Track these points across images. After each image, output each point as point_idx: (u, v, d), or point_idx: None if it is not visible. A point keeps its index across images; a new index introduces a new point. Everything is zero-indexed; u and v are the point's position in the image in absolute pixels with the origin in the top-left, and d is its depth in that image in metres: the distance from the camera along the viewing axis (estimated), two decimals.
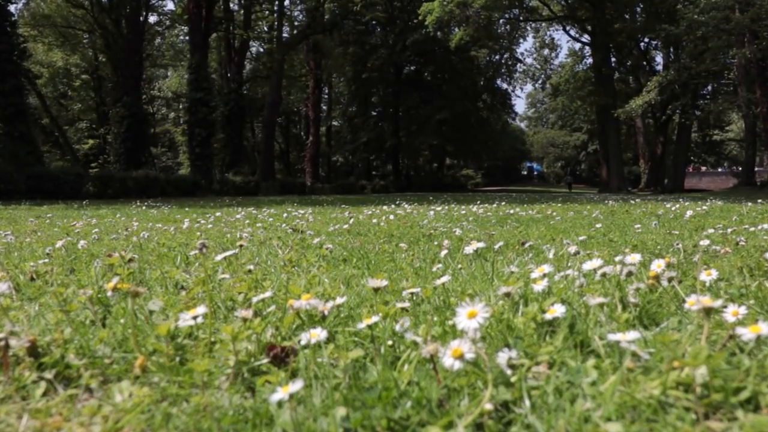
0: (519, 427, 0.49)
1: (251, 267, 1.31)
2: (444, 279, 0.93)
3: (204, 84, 19.41)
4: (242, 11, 23.52)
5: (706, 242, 1.51)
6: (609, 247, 1.73)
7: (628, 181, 33.76)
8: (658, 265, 0.97)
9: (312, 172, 28.73)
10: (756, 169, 23.47)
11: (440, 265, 1.34)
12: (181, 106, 34.15)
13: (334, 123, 36.27)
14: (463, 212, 4.11)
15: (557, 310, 0.70)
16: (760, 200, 7.01)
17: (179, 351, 0.70)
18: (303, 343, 0.67)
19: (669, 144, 29.60)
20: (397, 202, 7.59)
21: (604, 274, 0.88)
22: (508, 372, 0.56)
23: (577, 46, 32.97)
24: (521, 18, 28.70)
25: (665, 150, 29.50)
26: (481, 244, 1.27)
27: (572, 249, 1.26)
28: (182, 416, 0.53)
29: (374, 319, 0.69)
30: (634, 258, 0.98)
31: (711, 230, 2.15)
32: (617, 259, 1.06)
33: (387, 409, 0.50)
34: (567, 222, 2.91)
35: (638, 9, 25.29)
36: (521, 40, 37.01)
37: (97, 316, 0.85)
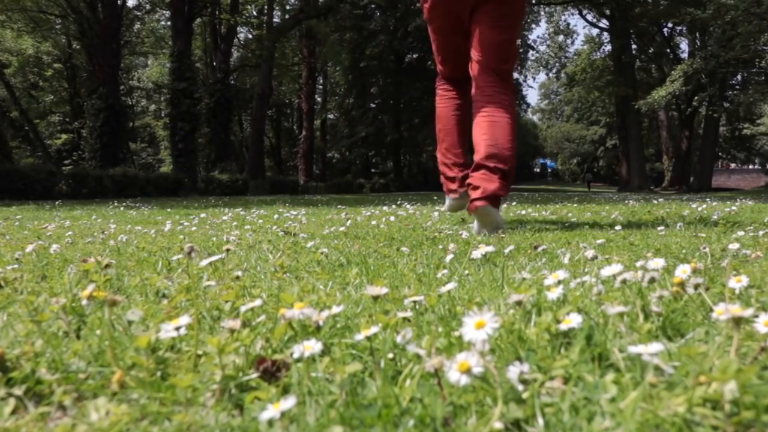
0: None
1: (239, 273, 1.31)
2: (449, 286, 0.93)
3: (187, 73, 19.42)
4: None
5: (736, 246, 1.51)
6: (629, 252, 1.73)
7: (651, 179, 33.81)
8: (683, 271, 0.97)
9: (305, 169, 28.75)
10: None
11: (445, 271, 1.34)
12: (162, 98, 34.17)
13: (330, 116, 36.27)
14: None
15: (573, 320, 0.70)
16: None
17: (160, 365, 0.70)
18: (296, 356, 0.67)
19: (695, 139, 29.62)
20: (399, 202, 7.60)
21: (624, 281, 0.88)
22: (520, 387, 0.56)
23: (595, 32, 33.06)
24: (534, 2, 28.76)
25: (691, 145, 29.53)
26: (490, 248, 1.27)
27: (589, 253, 1.26)
28: None
29: (373, 329, 0.69)
30: (657, 263, 0.98)
31: (741, 233, 2.15)
32: (638, 264, 1.06)
33: (387, 428, 0.50)
34: (584, 224, 2.91)
35: None
36: (534, 26, 37.09)
37: (71, 327, 0.85)
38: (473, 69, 2.83)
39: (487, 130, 2.60)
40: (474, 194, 2.53)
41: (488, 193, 2.49)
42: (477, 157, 2.61)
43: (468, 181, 2.64)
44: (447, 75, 3.14)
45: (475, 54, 2.80)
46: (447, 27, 2.93)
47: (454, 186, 2.97)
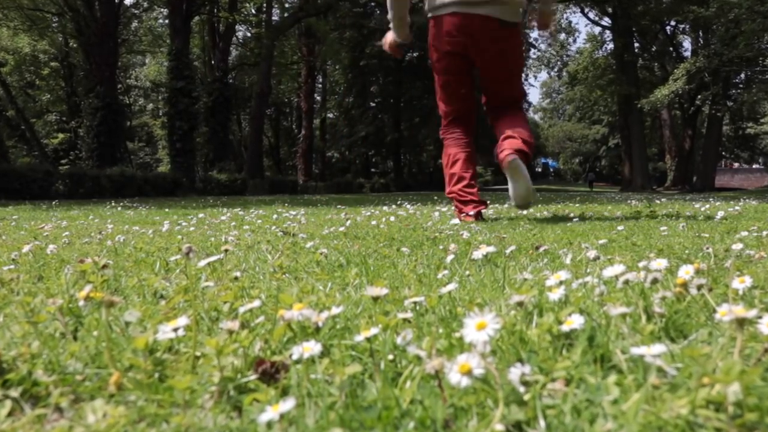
0: None
1: (237, 274, 1.31)
2: (450, 287, 0.93)
3: (185, 72, 19.42)
4: None
5: (739, 246, 1.51)
6: (632, 252, 1.73)
7: (653, 178, 33.83)
8: (686, 272, 0.97)
9: (304, 169, 28.77)
10: None
11: (446, 272, 1.34)
12: (160, 97, 34.20)
13: (329, 115, 36.28)
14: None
15: (575, 321, 0.70)
16: None
17: (158, 366, 0.70)
18: (295, 357, 0.67)
19: (698, 138, 29.66)
20: (399, 202, 7.60)
21: (626, 282, 0.88)
22: (521, 389, 0.56)
23: (597, 30, 33.02)
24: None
25: (694, 144, 29.55)
26: (491, 249, 1.27)
27: (592, 254, 1.26)
28: None
29: (373, 331, 0.69)
30: (660, 263, 0.98)
31: (744, 233, 2.15)
32: (641, 264, 1.06)
33: (387, 430, 0.50)
34: (586, 224, 2.91)
35: None
36: (535, 24, 37.05)
37: (68, 329, 0.85)
38: (491, 109, 3.48)
39: (510, 122, 3.28)
40: (502, 154, 3.09)
41: (515, 147, 3.06)
42: (502, 136, 3.23)
43: (497, 149, 3.22)
44: (455, 113, 3.47)
45: (490, 101, 3.48)
46: (457, 67, 3.33)
47: (467, 209, 3.34)
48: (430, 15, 3.30)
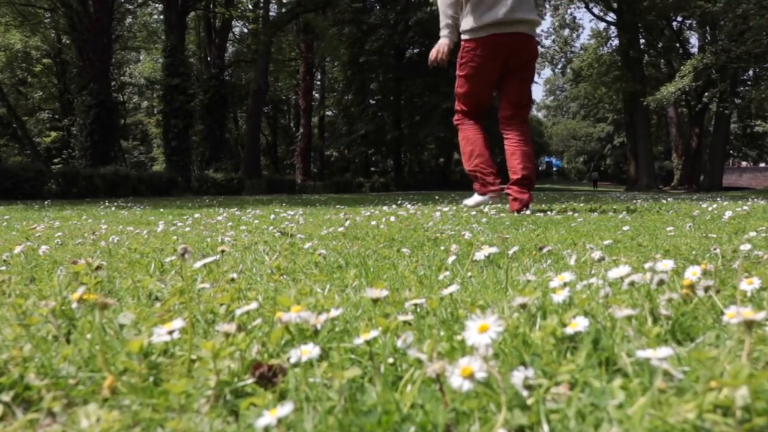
0: None
1: (234, 275, 1.31)
2: (452, 288, 0.93)
3: (181, 69, 19.42)
4: None
5: (747, 247, 1.51)
6: (638, 253, 1.73)
7: (660, 177, 33.83)
8: (693, 273, 0.97)
9: (303, 168, 28.75)
10: None
11: (447, 273, 1.34)
12: (155, 94, 34.20)
13: (328, 113, 36.28)
14: (473, 213, 4.11)
15: (579, 324, 0.70)
16: None
17: (153, 370, 0.70)
18: (293, 360, 0.67)
19: (705, 136, 29.66)
20: (399, 202, 7.59)
21: (632, 283, 0.88)
22: (524, 393, 0.56)
23: (602, 25, 32.99)
24: None
25: (701, 143, 29.55)
26: (493, 249, 1.27)
27: (596, 255, 1.26)
28: None
29: (373, 333, 0.69)
30: (666, 265, 0.98)
31: (753, 233, 2.15)
32: (647, 266, 1.06)
33: None
34: (590, 224, 2.91)
35: None
36: None
37: (61, 331, 0.85)
38: (506, 109, 4.25)
39: (521, 159, 4.17)
40: (515, 204, 4.10)
41: (525, 202, 4.10)
42: (515, 176, 4.12)
43: (507, 191, 4.15)
44: (471, 112, 4.33)
45: (507, 102, 4.25)
46: (493, 75, 4.18)
47: (494, 187, 4.25)
48: (468, 36, 4.03)
